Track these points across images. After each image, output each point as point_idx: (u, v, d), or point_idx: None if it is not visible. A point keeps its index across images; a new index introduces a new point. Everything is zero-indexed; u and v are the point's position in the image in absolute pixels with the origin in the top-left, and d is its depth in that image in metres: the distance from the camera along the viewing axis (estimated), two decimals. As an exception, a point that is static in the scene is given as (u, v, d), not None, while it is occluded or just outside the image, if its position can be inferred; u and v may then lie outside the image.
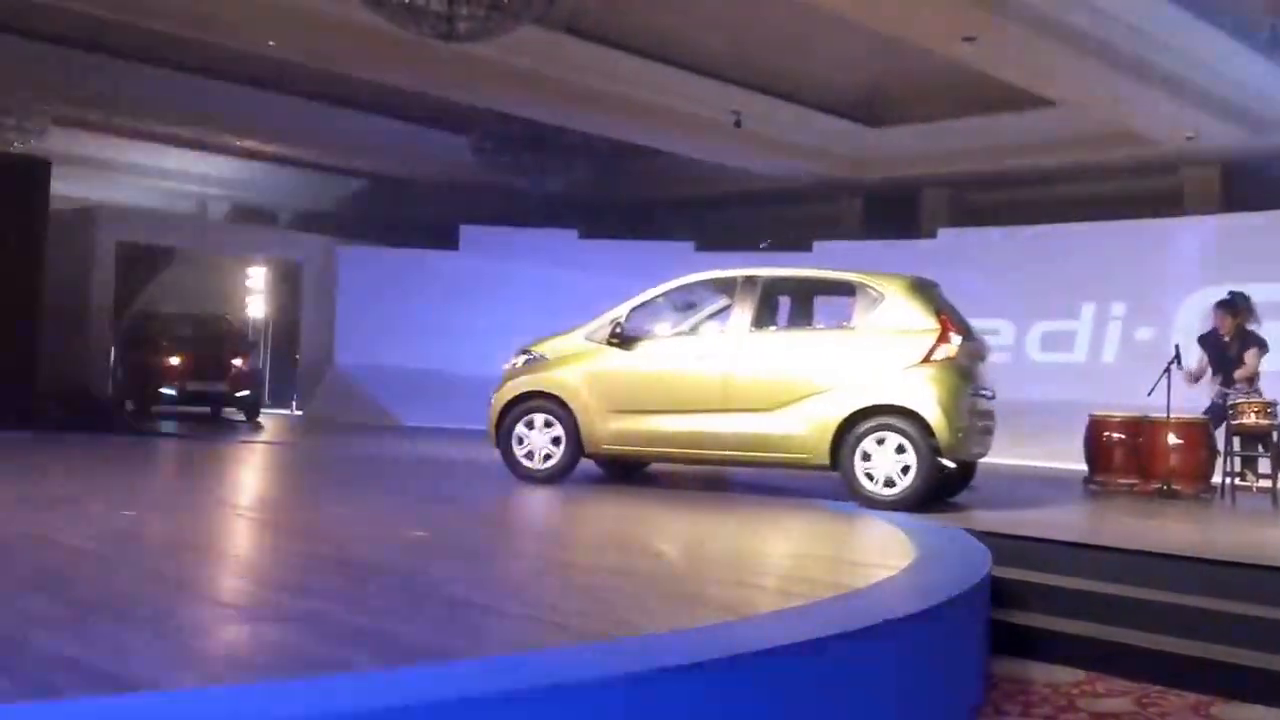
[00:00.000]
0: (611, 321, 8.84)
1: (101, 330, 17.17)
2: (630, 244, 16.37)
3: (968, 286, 14.26)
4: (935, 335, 8.07)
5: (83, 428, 13.02)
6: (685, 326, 9.21)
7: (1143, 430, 9.68)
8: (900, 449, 7.90)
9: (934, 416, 7.83)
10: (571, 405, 8.79)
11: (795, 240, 16.00)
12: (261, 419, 16.67)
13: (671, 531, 7.38)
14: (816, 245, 15.78)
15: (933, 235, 15.67)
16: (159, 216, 17.03)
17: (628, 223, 17.67)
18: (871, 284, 8.45)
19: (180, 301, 18.09)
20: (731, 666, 3.45)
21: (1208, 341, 10.04)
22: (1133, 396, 10.04)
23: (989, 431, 8.64)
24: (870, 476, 7.98)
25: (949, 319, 8.26)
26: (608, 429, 8.72)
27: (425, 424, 15.67)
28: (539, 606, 4.50)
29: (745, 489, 9.44)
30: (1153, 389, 9.39)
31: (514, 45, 10.33)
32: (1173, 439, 9.40)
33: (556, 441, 8.84)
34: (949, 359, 8.06)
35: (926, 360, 8.01)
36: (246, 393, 16.59)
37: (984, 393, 8.55)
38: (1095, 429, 10.05)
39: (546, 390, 8.91)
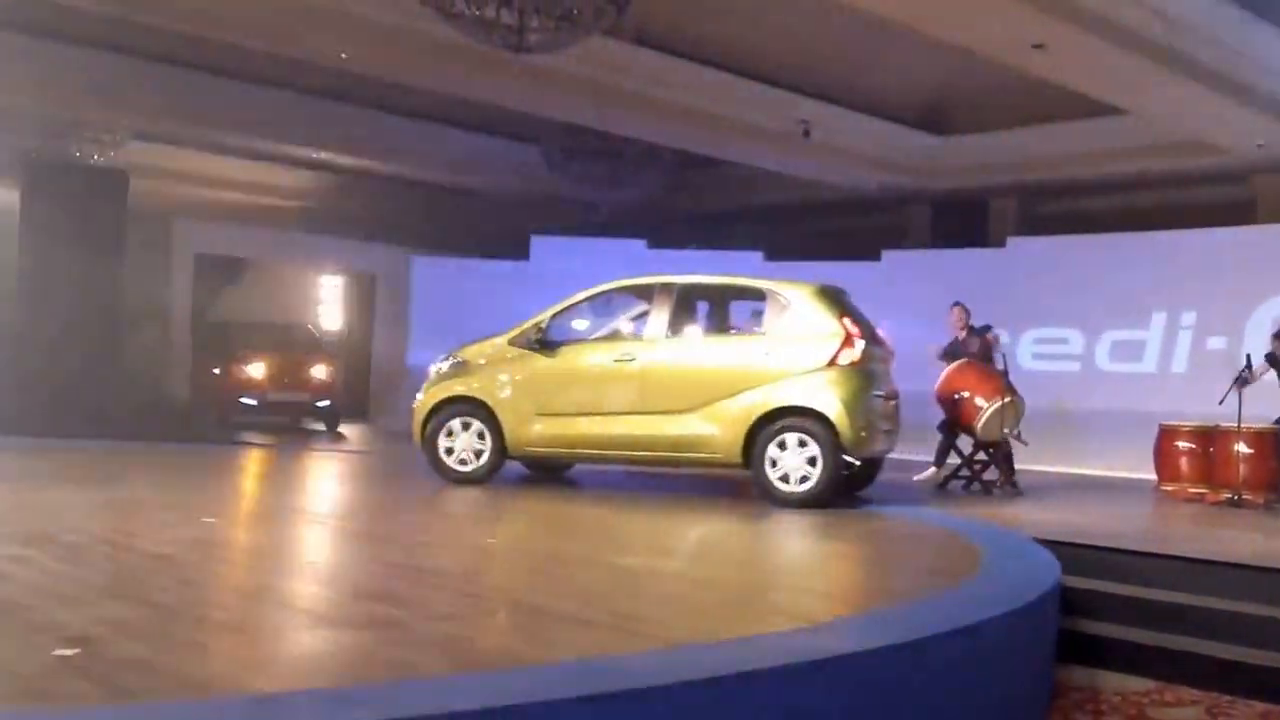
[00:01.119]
0: (534, 326, 9.15)
1: (181, 340, 17.47)
2: (699, 254, 16.42)
3: (1036, 296, 14.21)
4: (840, 340, 8.46)
5: (162, 436, 13.32)
6: (605, 331, 9.57)
7: (1213, 439, 9.59)
8: (806, 447, 8.27)
9: (838, 417, 8.22)
10: (495, 409, 9.08)
11: (863, 249, 15.95)
12: (342, 429, 16.75)
13: (736, 539, 7.45)
14: (885, 254, 15.75)
15: (1001, 244, 15.55)
16: (236, 227, 17.36)
17: (696, 232, 17.73)
18: (780, 291, 8.82)
19: (258, 311, 18.33)
20: (794, 673, 3.48)
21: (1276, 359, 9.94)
22: (1203, 406, 9.94)
23: (892, 430, 8.95)
24: (779, 475, 8.34)
25: (854, 325, 8.61)
26: (531, 432, 9.02)
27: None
28: (611, 613, 4.54)
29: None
30: (1224, 398, 9.29)
31: (584, 56, 10.45)
32: (1243, 448, 9.30)
33: (481, 443, 9.13)
34: (853, 363, 8.43)
35: (831, 364, 8.41)
36: (327, 402, 16.64)
37: (887, 394, 8.86)
38: (1165, 438, 9.97)
39: (471, 395, 9.17)
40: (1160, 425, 10.08)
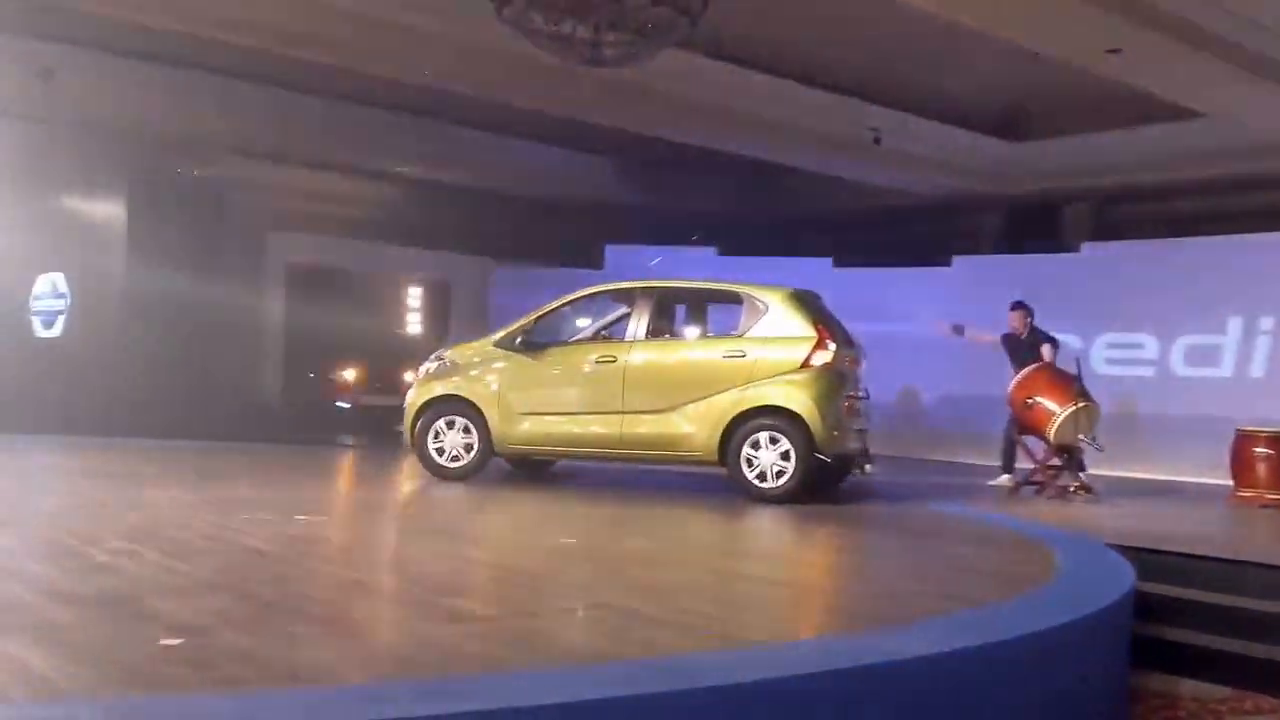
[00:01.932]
0: (520, 329, 9.54)
1: (275, 347, 17.89)
2: (769, 260, 16.45)
3: (1111, 300, 14.08)
4: (813, 343, 8.83)
5: (258, 438, 13.73)
6: (588, 334, 9.92)
7: (1292, 445, 9.49)
8: (780, 445, 8.65)
9: (810, 416, 8.60)
10: (483, 408, 9.39)
11: (934, 255, 15.90)
12: None
13: (803, 540, 7.51)
14: (957, 260, 15.68)
15: (1075, 249, 15.40)
16: (325, 238, 17.73)
17: (766, 239, 17.76)
18: (756, 295, 9.20)
19: (348, 319, 18.70)
20: (875, 674, 3.52)
21: None
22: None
23: (863, 429, 9.30)
24: (756, 473, 8.71)
25: (826, 328, 9.02)
26: (517, 430, 9.36)
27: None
28: (687, 611, 4.60)
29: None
30: None
31: (657, 68, 10.57)
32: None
33: (469, 442, 9.44)
34: (825, 365, 8.81)
35: (805, 365, 8.78)
36: None
37: (858, 395, 9.27)
38: (1242, 443, 9.87)
39: (459, 394, 9.48)
40: (1237, 430, 9.97)
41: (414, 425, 9.60)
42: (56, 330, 15.52)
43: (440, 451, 9.51)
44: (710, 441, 8.85)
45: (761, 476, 8.70)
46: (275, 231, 16.94)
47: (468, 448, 9.46)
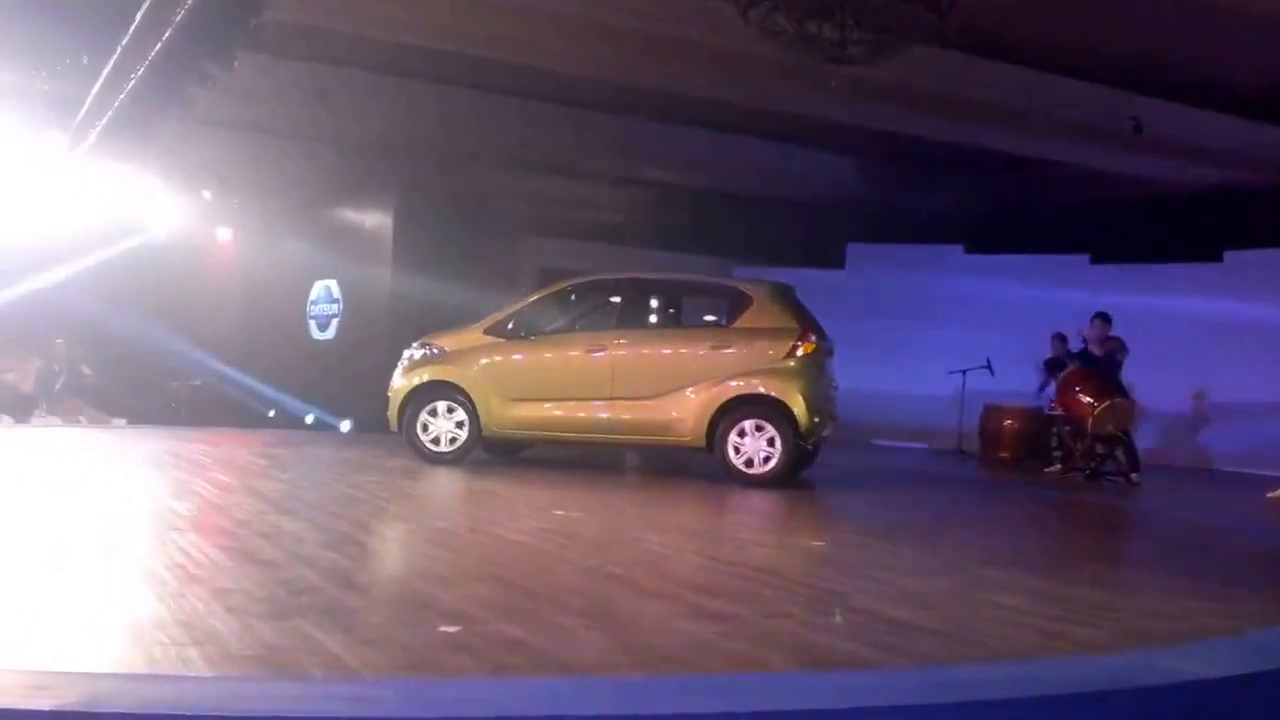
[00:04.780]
0: (510, 317, 9.86)
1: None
2: (1019, 258, 15.95)
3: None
4: (796, 335, 9.30)
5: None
6: (569, 323, 10.13)
7: None
8: (764, 432, 9.12)
9: (796, 405, 9.08)
10: (472, 394, 9.65)
11: (1201, 250, 15.01)
12: None
13: (1037, 541, 7.26)
14: (1228, 255, 14.78)
15: (1364, 242, 14.27)
16: (571, 242, 18.27)
17: (1016, 236, 17.18)
18: (741, 288, 9.84)
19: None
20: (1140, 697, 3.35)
21: None
22: None
23: (834, 416, 9.73)
24: (743, 459, 9.17)
25: (807, 322, 9.51)
26: (506, 415, 9.66)
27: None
28: (948, 621, 4.52)
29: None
30: None
31: (903, 64, 10.40)
32: None
33: (460, 427, 9.69)
34: (808, 356, 9.26)
35: (789, 356, 9.23)
36: None
37: (833, 385, 9.72)
38: None
39: (450, 380, 9.74)
40: None
41: (401, 411, 9.89)
42: (330, 333, 16.66)
43: (433, 438, 9.78)
44: (698, 428, 9.26)
45: (748, 463, 9.13)
46: (528, 237, 17.55)
47: (455, 434, 9.75)
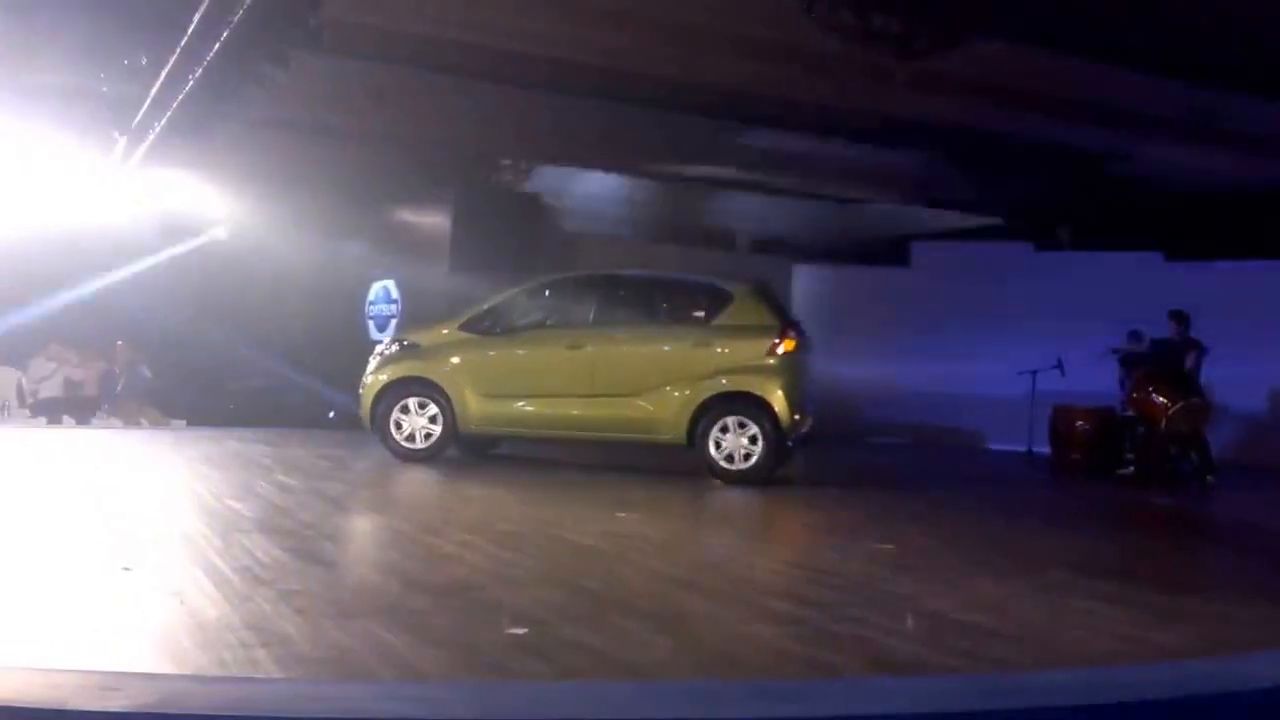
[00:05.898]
0: (486, 313, 9.78)
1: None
2: (1090, 255, 15.65)
3: None
4: (777, 332, 9.30)
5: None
6: (555, 319, 9.98)
7: None
8: (747, 429, 9.08)
9: (778, 402, 9.04)
10: (448, 390, 9.56)
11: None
12: None
13: (1101, 544, 7.10)
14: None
15: None
16: (631, 243, 18.23)
17: (1086, 234, 16.88)
18: (722, 286, 9.77)
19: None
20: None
21: None
22: None
23: (811, 414, 9.63)
24: (724, 455, 9.13)
25: (786, 318, 9.61)
26: (482, 411, 9.58)
27: (886, 438, 15.90)
28: (1021, 626, 4.46)
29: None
30: None
31: (968, 58, 10.25)
32: None
33: (434, 423, 9.59)
34: (789, 354, 9.24)
35: (771, 354, 9.20)
36: None
37: (811, 382, 9.66)
38: None
39: (424, 376, 9.65)
40: None
41: (373, 408, 9.79)
42: (388, 333, 16.70)
43: (407, 435, 9.68)
44: (679, 425, 9.23)
45: (729, 459, 9.09)
46: (584, 238, 17.54)
47: (429, 431, 9.65)
